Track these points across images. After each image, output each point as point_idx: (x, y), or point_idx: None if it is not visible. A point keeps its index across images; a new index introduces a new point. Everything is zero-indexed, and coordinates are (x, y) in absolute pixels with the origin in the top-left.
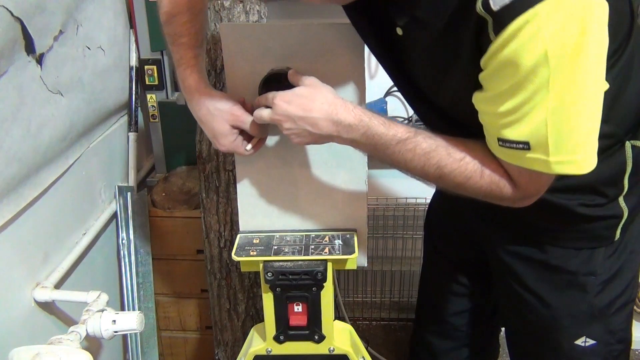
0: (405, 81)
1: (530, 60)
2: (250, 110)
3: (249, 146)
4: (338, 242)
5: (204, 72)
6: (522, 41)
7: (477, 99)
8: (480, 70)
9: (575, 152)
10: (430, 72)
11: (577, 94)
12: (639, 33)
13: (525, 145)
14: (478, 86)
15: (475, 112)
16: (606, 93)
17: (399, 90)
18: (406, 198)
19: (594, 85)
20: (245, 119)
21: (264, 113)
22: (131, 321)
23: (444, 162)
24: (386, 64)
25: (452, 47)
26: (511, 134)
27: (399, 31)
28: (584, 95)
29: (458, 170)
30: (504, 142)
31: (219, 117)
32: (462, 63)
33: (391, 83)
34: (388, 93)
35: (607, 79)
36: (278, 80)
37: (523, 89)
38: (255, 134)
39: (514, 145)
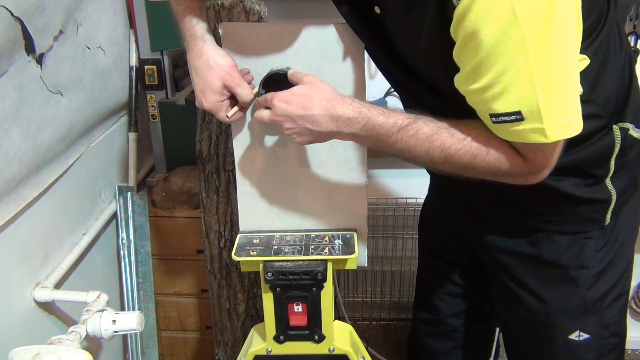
0: (392, 60)
1: (498, 21)
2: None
3: (231, 112)
4: (338, 242)
5: (209, 26)
6: (486, 1)
7: (458, 81)
8: (451, 42)
9: (566, 113)
10: (408, 43)
11: (558, 50)
12: (614, 13)
13: (518, 116)
14: (453, 64)
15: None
16: (588, 71)
17: (386, 74)
18: (406, 198)
19: (570, 37)
20: (240, 83)
21: (263, 114)
22: (131, 321)
23: (447, 143)
24: (373, 46)
25: (421, 15)
26: (500, 106)
27: (377, 9)
28: (565, 50)
29: (463, 150)
30: (496, 117)
31: (216, 72)
32: (430, 30)
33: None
34: (388, 93)
35: (587, 54)
36: (278, 80)
37: (499, 55)
38: (243, 102)
39: (507, 118)
